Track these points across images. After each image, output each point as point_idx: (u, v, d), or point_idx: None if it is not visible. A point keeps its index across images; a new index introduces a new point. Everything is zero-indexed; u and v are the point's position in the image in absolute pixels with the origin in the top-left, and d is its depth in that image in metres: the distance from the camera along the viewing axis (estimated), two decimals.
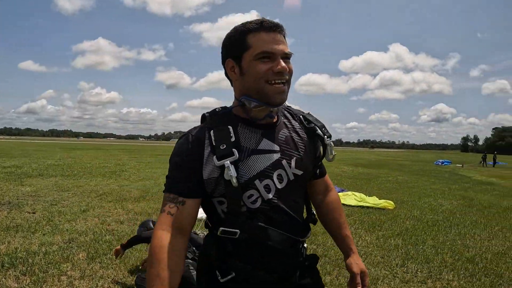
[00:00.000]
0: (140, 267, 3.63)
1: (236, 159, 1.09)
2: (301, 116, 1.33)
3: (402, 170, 19.84)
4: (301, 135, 1.28)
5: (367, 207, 7.48)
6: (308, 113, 1.37)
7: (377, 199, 7.98)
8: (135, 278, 3.25)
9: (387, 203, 7.57)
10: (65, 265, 3.69)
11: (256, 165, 1.14)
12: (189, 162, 1.13)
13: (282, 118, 1.29)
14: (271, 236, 1.14)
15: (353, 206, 7.56)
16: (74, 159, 18.63)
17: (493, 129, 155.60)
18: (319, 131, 1.29)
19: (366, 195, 8.36)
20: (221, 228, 1.11)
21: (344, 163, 25.02)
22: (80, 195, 7.87)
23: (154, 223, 3.51)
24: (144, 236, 3.38)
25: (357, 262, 1.32)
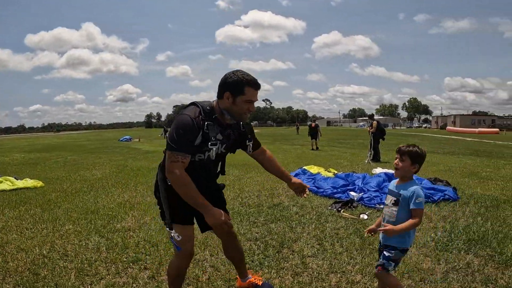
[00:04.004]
0: None
1: (216, 145, 2.29)
2: (241, 123, 2.43)
3: (77, 151, 19.94)
4: (236, 133, 2.43)
5: (20, 188, 7.51)
6: (245, 122, 2.46)
7: (28, 180, 8.11)
8: None
9: (36, 182, 7.88)
10: None
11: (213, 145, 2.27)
12: (192, 136, 2.15)
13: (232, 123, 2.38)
14: (205, 169, 2.37)
15: (8, 190, 7.35)
16: None
17: (174, 106, 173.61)
18: (246, 132, 2.48)
19: (16, 179, 8.24)
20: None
21: (19, 150, 22.32)
22: None
23: None
24: None
25: (297, 180, 2.68)
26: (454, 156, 14.78)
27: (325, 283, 3.04)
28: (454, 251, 3.69)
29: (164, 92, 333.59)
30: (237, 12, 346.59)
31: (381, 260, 2.46)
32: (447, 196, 5.97)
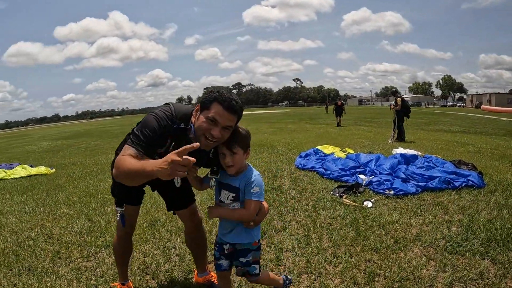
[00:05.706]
0: None
1: None
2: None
3: (102, 136, 20.69)
4: (207, 156, 2.06)
5: (34, 175, 7.93)
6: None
7: (41, 167, 8.49)
8: None
9: (46, 170, 8.21)
10: None
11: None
12: (156, 141, 1.85)
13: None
14: None
15: (24, 177, 7.83)
16: None
17: (204, 89, 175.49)
18: (214, 160, 2.04)
19: (31, 167, 8.68)
20: None
21: (48, 138, 23.51)
22: None
23: None
24: None
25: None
26: (486, 136, 13.59)
27: (292, 285, 2.60)
28: (467, 254, 2.97)
29: (194, 75, 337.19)
30: None
31: (240, 268, 2.12)
32: (471, 182, 5.06)
